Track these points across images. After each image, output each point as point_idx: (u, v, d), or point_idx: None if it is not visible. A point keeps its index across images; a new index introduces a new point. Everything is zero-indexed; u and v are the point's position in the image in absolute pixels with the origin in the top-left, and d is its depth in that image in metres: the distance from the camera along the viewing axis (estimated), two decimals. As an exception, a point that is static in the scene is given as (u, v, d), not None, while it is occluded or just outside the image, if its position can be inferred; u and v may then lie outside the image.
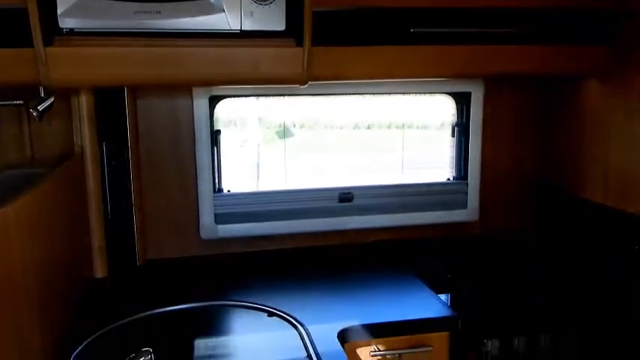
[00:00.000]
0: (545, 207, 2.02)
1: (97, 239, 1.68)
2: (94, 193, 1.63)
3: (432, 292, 1.55)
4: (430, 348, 1.39)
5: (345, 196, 1.93)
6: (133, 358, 0.94)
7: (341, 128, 2.20)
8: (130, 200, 1.72)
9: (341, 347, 1.25)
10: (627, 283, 1.62)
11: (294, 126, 2.14)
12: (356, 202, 1.94)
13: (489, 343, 1.42)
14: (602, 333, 1.50)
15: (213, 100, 1.79)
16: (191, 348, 1.28)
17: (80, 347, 1.26)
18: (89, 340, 1.30)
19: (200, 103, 1.75)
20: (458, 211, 2.00)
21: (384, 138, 2.19)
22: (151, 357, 0.95)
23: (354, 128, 2.21)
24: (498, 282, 1.69)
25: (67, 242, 1.43)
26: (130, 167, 1.70)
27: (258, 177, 2.13)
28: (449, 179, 2.05)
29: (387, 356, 1.39)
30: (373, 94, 1.96)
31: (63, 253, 1.38)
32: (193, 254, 1.87)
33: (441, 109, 2.06)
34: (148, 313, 1.45)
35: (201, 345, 1.30)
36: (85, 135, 1.60)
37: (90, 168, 1.60)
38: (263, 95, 1.86)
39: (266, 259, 1.86)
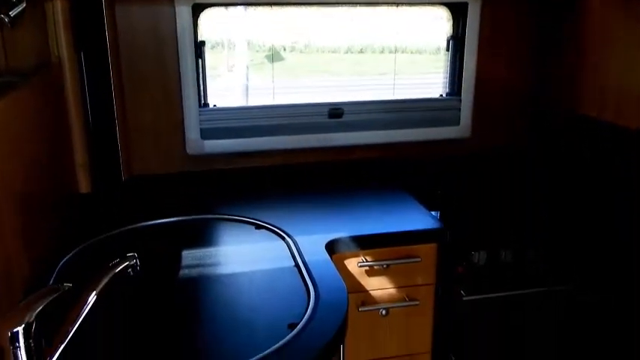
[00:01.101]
0: (540, 124, 2.01)
1: (80, 154, 1.66)
2: (73, 105, 1.59)
3: (422, 207, 1.56)
4: (418, 259, 1.42)
5: (335, 111, 1.90)
6: (118, 262, 0.94)
7: (333, 52, 2.14)
8: (112, 114, 1.68)
9: (329, 257, 1.27)
10: (620, 198, 1.64)
11: (285, 50, 2.07)
12: (346, 118, 1.91)
13: (477, 254, 1.45)
14: (592, 244, 1.53)
15: (197, 9, 1.73)
16: (178, 258, 1.30)
17: (67, 257, 1.27)
18: (76, 250, 1.31)
19: (182, 11, 1.68)
20: (450, 128, 1.98)
21: (377, 62, 2.14)
22: (136, 262, 0.96)
23: (347, 52, 2.15)
24: (489, 198, 1.71)
25: (49, 157, 1.41)
26: (111, 78, 1.66)
27: (247, 100, 2.09)
28: (442, 95, 2.02)
29: (375, 267, 1.41)
30: (366, 4, 1.89)
31: (44, 168, 1.36)
32: (179, 170, 1.86)
33: (436, 30, 2.01)
34: (135, 225, 1.46)
35: (189, 255, 1.31)
36: (61, 44, 1.54)
37: (68, 78, 1.56)
38: (250, 4, 1.79)
39: (254, 175, 1.86)
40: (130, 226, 1.45)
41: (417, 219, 1.47)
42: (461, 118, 1.99)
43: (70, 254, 1.29)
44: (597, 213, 1.56)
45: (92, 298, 0.89)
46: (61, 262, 1.25)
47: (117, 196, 1.69)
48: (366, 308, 1.42)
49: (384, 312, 1.44)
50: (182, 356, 0.96)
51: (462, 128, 1.99)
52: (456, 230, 1.43)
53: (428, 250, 1.43)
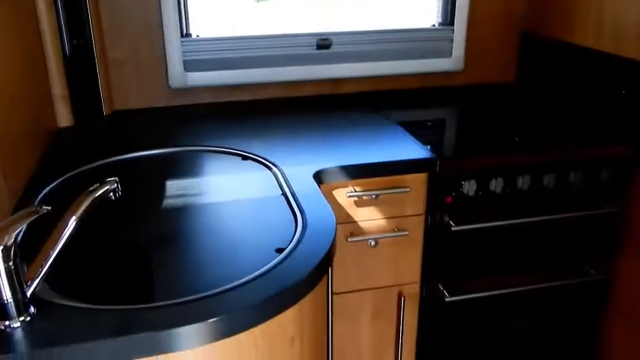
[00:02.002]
0: (535, 56, 1.97)
1: (59, 86, 1.61)
2: (48, 35, 1.54)
3: (412, 137, 1.54)
4: (407, 189, 1.41)
5: (323, 42, 1.85)
6: (98, 187, 0.92)
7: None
8: (90, 43, 1.63)
9: (316, 185, 1.26)
10: (611, 127, 1.63)
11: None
12: (334, 49, 1.87)
13: (466, 184, 1.44)
14: (582, 169, 1.53)
15: None
16: (162, 188, 1.28)
17: (48, 187, 1.25)
18: (57, 181, 1.28)
19: None
20: (442, 60, 1.95)
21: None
22: (117, 186, 0.94)
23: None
24: (480, 129, 1.69)
25: (25, 88, 1.37)
26: (86, 4, 1.59)
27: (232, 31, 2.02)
28: (434, 25, 1.97)
29: (364, 198, 1.41)
30: None
31: (21, 100, 1.32)
32: (163, 105, 1.82)
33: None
34: (118, 158, 1.43)
35: (173, 185, 1.29)
36: (32, -33, 1.47)
37: (42, 6, 1.50)
38: None
39: (239, 109, 1.82)
40: (112, 158, 1.42)
41: (407, 149, 1.45)
42: (453, 49, 1.95)
43: (52, 185, 1.26)
44: (587, 140, 1.55)
45: (72, 223, 0.87)
46: (43, 192, 1.23)
47: (99, 130, 1.66)
48: (354, 239, 1.42)
49: (372, 243, 1.44)
50: (166, 280, 0.96)
51: (454, 60, 1.95)
52: (445, 160, 1.42)
53: (417, 180, 1.42)
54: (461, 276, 1.55)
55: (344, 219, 1.42)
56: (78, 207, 0.89)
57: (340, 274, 1.46)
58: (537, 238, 1.56)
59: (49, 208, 0.83)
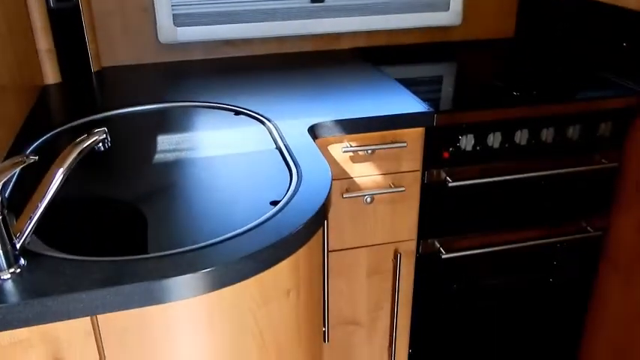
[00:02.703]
0: (534, 10, 1.94)
1: (44, 41, 1.57)
2: (32, -14, 1.49)
3: (408, 92, 1.52)
4: (404, 144, 1.39)
5: (317, -5, 1.81)
6: (86, 138, 0.90)
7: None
8: (76, -5, 1.58)
9: (311, 139, 1.24)
10: (611, 80, 1.61)
11: None
12: (329, 2, 1.82)
13: (464, 139, 1.43)
14: (581, 123, 1.51)
15: None
16: (154, 143, 1.26)
17: (36, 143, 1.23)
18: (45, 137, 1.26)
19: None
20: (439, 14, 1.91)
21: None
22: (106, 137, 0.92)
23: None
24: (478, 84, 1.66)
25: (9, 41, 1.33)
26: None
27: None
28: (431, -23, 1.93)
29: (360, 153, 1.39)
30: None
31: (6, 52, 1.28)
32: (153, 61, 1.78)
33: None
34: (108, 114, 1.41)
35: (165, 140, 1.27)
36: None
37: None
38: None
39: (231, 65, 1.79)
40: (102, 114, 1.40)
41: (404, 103, 1.43)
42: (451, 3, 1.90)
43: (39, 141, 1.24)
44: (587, 98, 1.53)
45: (60, 175, 0.85)
46: (30, 148, 1.21)
47: (87, 87, 1.62)
48: (350, 195, 1.41)
49: (368, 199, 1.43)
50: (159, 233, 0.95)
51: (451, 14, 1.91)
52: (443, 114, 1.40)
53: (414, 134, 1.41)
54: (457, 233, 1.55)
55: (339, 175, 1.41)
56: (65, 159, 0.87)
57: (336, 232, 1.45)
58: (534, 194, 1.56)
59: (37, 157, 0.82)
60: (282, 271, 0.93)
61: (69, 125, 1.33)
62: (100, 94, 1.58)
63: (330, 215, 1.43)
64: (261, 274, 0.89)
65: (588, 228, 1.64)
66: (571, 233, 1.63)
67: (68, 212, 1.02)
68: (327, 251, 1.41)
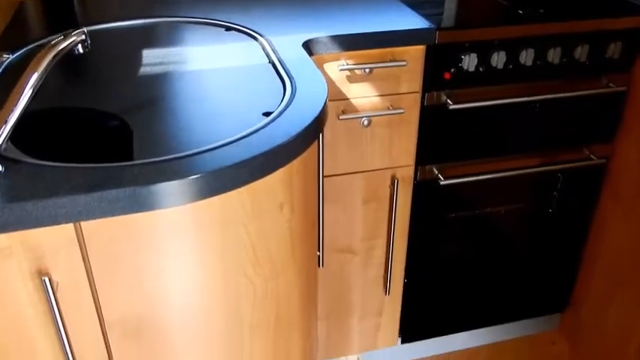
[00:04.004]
0: None
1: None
2: None
3: (409, 9, 1.46)
4: (404, 63, 1.35)
5: None
6: (62, 39, 0.85)
7: None
8: None
9: (306, 53, 1.19)
10: None
11: None
12: None
13: (467, 59, 1.38)
14: (589, 42, 1.46)
15: None
16: (140, 58, 1.21)
17: (16, 54, 1.18)
18: (23, 50, 1.20)
19: None
20: None
21: None
22: (86, 39, 0.87)
23: None
24: (482, 2, 1.60)
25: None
26: None
27: None
28: None
29: (357, 72, 1.34)
30: None
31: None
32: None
33: None
34: (90, 28, 1.34)
35: (151, 54, 1.22)
36: None
37: None
38: None
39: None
40: (84, 29, 1.33)
41: (404, 19, 1.37)
42: None
43: (15, 55, 1.18)
44: (596, 16, 1.47)
45: (35, 79, 0.81)
46: (7, 61, 1.15)
47: (66, 1, 1.55)
48: (346, 117, 1.37)
49: (365, 122, 1.40)
50: (146, 143, 0.91)
51: None
52: (445, 30, 1.34)
53: (415, 53, 1.36)
54: (456, 159, 1.52)
55: (336, 96, 1.36)
56: (41, 61, 0.83)
57: (331, 156, 1.42)
58: (538, 119, 1.52)
59: (10, 55, 0.77)
60: (275, 182, 0.90)
61: (47, 39, 1.27)
62: (81, 9, 1.50)
63: (326, 139, 1.40)
64: (253, 185, 0.87)
65: (591, 156, 1.62)
66: (573, 161, 1.61)
67: (50, 123, 0.98)
68: (322, 176, 1.38)
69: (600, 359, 1.82)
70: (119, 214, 0.76)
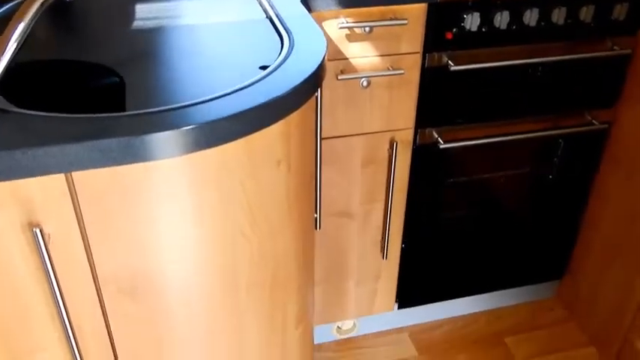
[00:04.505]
0: None
1: None
2: None
3: (410, -34, 1.42)
4: (405, 22, 1.32)
5: None
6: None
7: None
8: None
9: (305, 9, 1.16)
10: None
11: None
12: None
13: (469, 18, 1.35)
14: (595, 3, 1.44)
15: None
16: (132, 10, 1.18)
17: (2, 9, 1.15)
18: (7, 6, 1.17)
19: None
20: None
21: None
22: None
23: None
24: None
25: None
26: None
27: None
28: None
29: (357, 31, 1.32)
30: None
31: None
32: None
33: None
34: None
35: (144, 8, 1.19)
36: None
37: None
38: None
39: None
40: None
41: (405, -22, 1.34)
42: None
43: (5, 6, 1.15)
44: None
45: (21, 28, 0.78)
46: (-5, 12, 1.12)
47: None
48: (345, 77, 1.35)
49: (365, 83, 1.37)
50: (140, 95, 0.89)
51: None
52: (448, -10, 1.31)
53: (416, 11, 1.33)
54: (457, 122, 1.50)
55: (334, 55, 1.34)
56: (26, 10, 0.80)
57: (330, 118, 1.40)
58: (539, 82, 1.50)
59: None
60: (273, 137, 0.88)
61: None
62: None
63: (324, 100, 1.38)
64: (249, 139, 0.85)
65: (593, 121, 1.60)
66: (575, 126, 1.59)
67: (40, 75, 0.96)
68: (320, 137, 1.36)
69: (597, 325, 1.83)
70: (111, 164, 0.75)
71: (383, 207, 1.58)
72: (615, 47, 1.49)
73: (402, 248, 1.68)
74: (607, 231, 1.72)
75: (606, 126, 1.60)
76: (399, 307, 1.81)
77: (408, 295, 1.79)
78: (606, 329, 1.78)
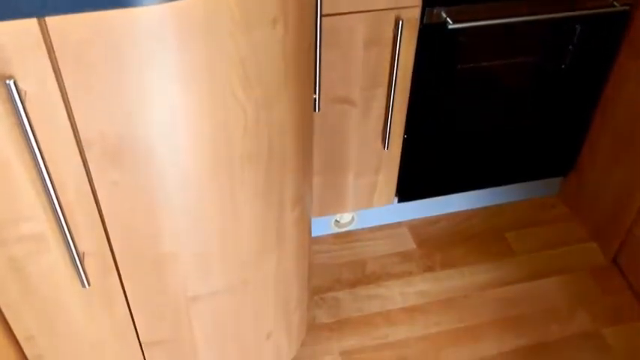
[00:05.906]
0: None
1: None
2: None
3: None
4: None
5: None
6: None
7: None
8: None
9: None
10: None
11: None
12: None
13: None
14: None
15: None
16: None
17: None
18: None
19: None
20: None
21: None
22: None
23: None
24: None
25: None
26: None
27: None
28: None
29: None
30: None
31: None
32: None
33: None
34: None
35: None
36: None
37: None
38: None
39: None
40: None
41: None
42: None
43: None
44: None
45: None
46: None
47: None
48: None
49: None
50: None
51: None
52: None
53: None
54: (467, 0, 1.42)
55: None
56: None
57: (330, -8, 1.32)
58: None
59: None
60: (267, -10, 0.82)
61: None
62: None
63: (324, -29, 1.29)
64: (242, -10, 0.78)
65: (614, 2, 1.51)
66: (594, 8, 1.50)
67: None
68: (321, 15, 1.29)
69: (600, 223, 1.83)
70: (88, 9, 0.69)
71: (385, 93, 1.52)
72: None
73: (404, 138, 1.64)
74: (619, 125, 1.67)
75: (627, 8, 1.51)
76: (399, 201, 1.80)
77: (408, 188, 1.77)
78: (609, 224, 1.78)
